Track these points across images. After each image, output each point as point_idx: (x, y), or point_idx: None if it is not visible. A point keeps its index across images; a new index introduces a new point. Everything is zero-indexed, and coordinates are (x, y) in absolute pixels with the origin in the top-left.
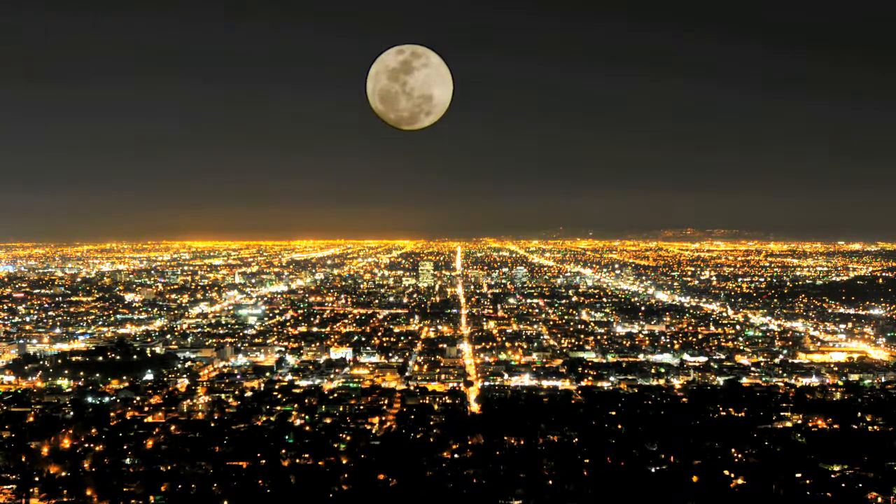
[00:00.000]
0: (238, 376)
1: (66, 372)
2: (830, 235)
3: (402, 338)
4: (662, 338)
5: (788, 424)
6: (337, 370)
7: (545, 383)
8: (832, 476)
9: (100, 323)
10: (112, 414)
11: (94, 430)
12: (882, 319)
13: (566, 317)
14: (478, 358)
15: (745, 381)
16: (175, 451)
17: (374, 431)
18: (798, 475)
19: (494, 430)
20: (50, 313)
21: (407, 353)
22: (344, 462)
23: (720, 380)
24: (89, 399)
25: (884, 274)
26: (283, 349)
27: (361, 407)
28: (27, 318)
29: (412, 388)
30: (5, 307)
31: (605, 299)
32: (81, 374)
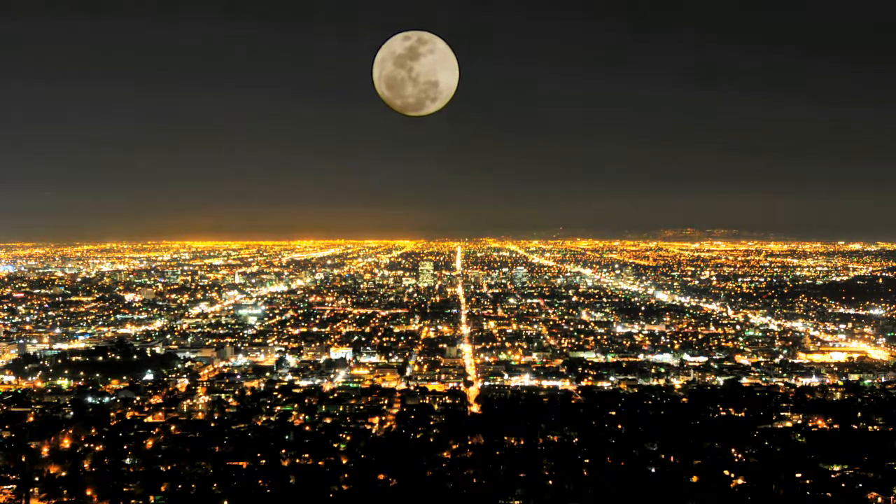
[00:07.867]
0: (238, 376)
1: (66, 372)
2: (830, 235)
3: (402, 338)
4: (662, 338)
5: (788, 424)
6: (337, 370)
7: (545, 383)
8: (832, 476)
9: (100, 323)
10: (112, 414)
11: (94, 430)
12: (882, 319)
13: (566, 317)
14: (478, 358)
15: (745, 381)
16: (175, 451)
17: (374, 431)
18: (798, 475)
19: (494, 430)
20: (50, 313)
21: (407, 353)
22: (344, 462)
23: (720, 380)
24: (89, 399)
25: (884, 274)
26: (283, 349)
27: (361, 407)
28: (27, 318)
29: (412, 388)
30: (5, 307)
31: (605, 299)
32: (81, 374)
